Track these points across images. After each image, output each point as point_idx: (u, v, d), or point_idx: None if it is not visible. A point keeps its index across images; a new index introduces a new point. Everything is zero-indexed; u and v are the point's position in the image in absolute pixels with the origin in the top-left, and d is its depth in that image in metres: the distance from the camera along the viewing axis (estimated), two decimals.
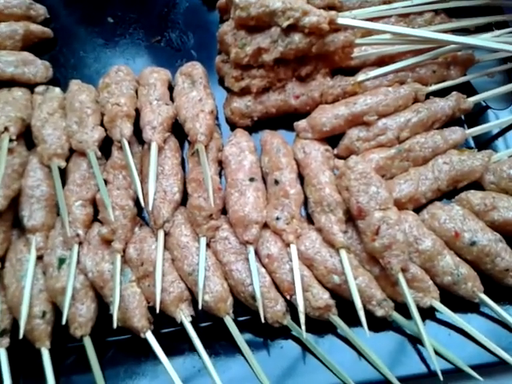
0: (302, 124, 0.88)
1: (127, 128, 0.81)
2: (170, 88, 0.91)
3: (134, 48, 1.00)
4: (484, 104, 0.94)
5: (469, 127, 0.91)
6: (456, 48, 0.89)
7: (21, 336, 0.70)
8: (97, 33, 1.01)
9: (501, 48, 0.86)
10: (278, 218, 0.78)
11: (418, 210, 0.82)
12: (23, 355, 0.75)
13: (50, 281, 0.75)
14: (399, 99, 0.86)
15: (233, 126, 0.92)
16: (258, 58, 0.85)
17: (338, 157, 0.87)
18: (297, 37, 0.82)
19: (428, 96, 0.89)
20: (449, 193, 0.85)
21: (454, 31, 0.93)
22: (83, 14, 1.03)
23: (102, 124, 0.84)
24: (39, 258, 0.77)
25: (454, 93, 0.89)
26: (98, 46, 1.00)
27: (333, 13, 0.82)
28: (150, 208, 0.77)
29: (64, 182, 0.81)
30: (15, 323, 0.74)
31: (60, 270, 0.75)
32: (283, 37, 0.83)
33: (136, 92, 0.88)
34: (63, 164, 0.82)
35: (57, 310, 0.75)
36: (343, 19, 0.84)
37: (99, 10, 1.03)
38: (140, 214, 0.83)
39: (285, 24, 0.81)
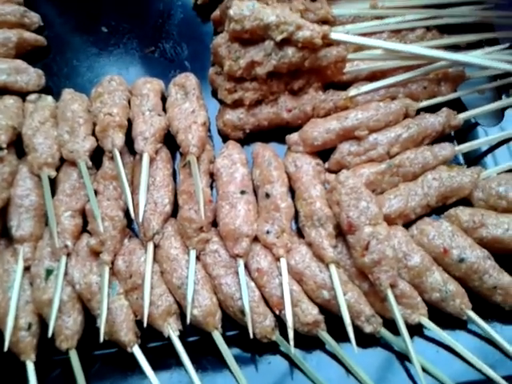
0: (293, 137, 0.88)
1: (119, 138, 0.81)
2: (163, 99, 0.90)
3: (128, 58, 1.00)
4: (474, 121, 0.95)
5: (458, 143, 0.91)
6: (447, 64, 0.90)
7: (6, 348, 0.70)
8: (90, 42, 1.01)
9: (491, 65, 0.87)
10: (268, 232, 0.78)
11: (407, 225, 0.83)
12: (8, 368, 0.74)
13: (36, 292, 0.74)
14: (390, 114, 0.87)
15: (225, 138, 0.92)
16: (251, 71, 0.85)
17: (329, 171, 0.87)
18: (290, 51, 0.83)
19: (418, 112, 0.90)
20: (438, 208, 0.85)
21: (446, 48, 0.93)
22: (77, 23, 1.03)
23: (93, 134, 0.83)
24: (26, 268, 0.77)
25: (445, 109, 0.90)
26: (91, 56, 1.00)
27: (326, 28, 0.83)
28: (141, 219, 0.77)
29: (54, 192, 0.81)
30: (0, 335, 0.72)
31: (47, 281, 0.75)
32: (277, 50, 0.83)
33: (129, 102, 0.87)
34: (53, 173, 0.81)
35: (43, 322, 0.74)
36: (336, 34, 0.84)
37: (93, 19, 1.03)
38: (130, 226, 0.83)
39: (278, 38, 0.81)
